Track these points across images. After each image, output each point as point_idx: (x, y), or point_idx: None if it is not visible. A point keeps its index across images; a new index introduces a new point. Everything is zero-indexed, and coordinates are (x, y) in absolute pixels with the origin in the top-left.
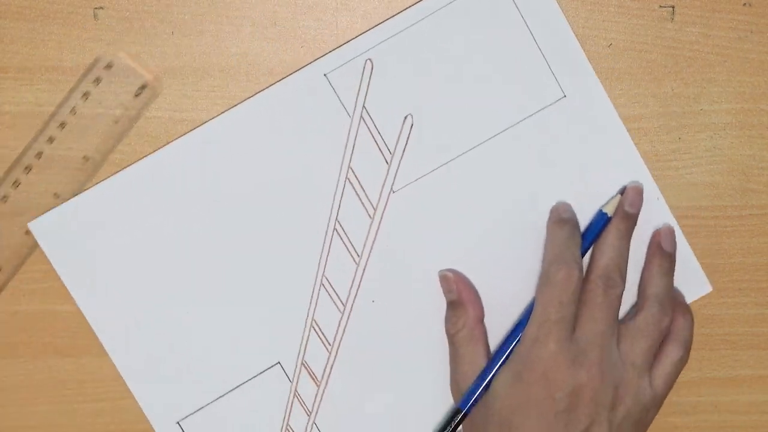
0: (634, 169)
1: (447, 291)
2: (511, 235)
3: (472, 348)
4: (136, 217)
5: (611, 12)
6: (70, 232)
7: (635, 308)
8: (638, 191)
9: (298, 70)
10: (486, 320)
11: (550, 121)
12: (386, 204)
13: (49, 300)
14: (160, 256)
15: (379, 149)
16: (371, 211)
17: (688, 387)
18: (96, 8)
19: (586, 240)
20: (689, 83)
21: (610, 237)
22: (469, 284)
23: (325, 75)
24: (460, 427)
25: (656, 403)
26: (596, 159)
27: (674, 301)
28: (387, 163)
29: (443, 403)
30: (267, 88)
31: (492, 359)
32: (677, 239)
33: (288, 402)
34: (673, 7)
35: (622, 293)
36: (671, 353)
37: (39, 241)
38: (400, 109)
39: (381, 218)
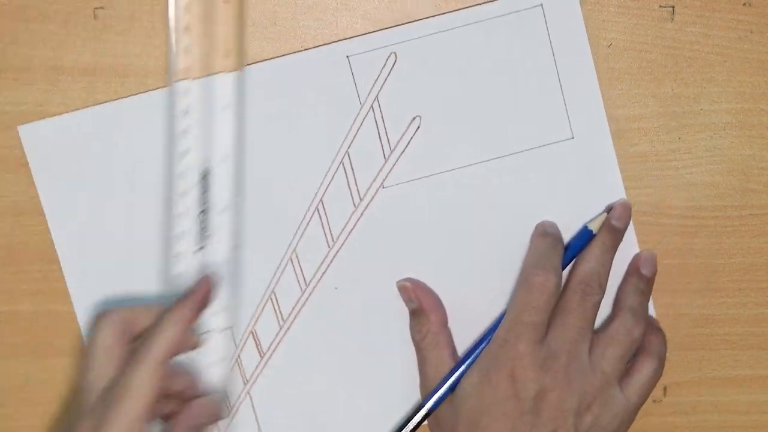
0: None
1: (407, 300)
2: (488, 253)
3: (438, 353)
4: (127, 148)
5: (611, 12)
6: (57, 145)
7: (609, 318)
8: (627, 207)
9: (324, 45)
10: (458, 329)
11: (551, 157)
12: (373, 197)
13: (49, 300)
14: (139, 191)
15: (380, 142)
16: (357, 200)
17: (688, 387)
18: (96, 8)
19: (568, 253)
20: (689, 83)
21: (594, 249)
22: (428, 291)
23: (347, 57)
24: (425, 423)
25: (628, 412)
26: (587, 202)
27: (648, 320)
28: (384, 157)
29: (378, 399)
30: (290, 54)
31: (461, 360)
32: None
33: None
34: (673, 7)
35: (600, 303)
36: (645, 365)
37: (24, 146)
38: (410, 109)
39: (365, 209)
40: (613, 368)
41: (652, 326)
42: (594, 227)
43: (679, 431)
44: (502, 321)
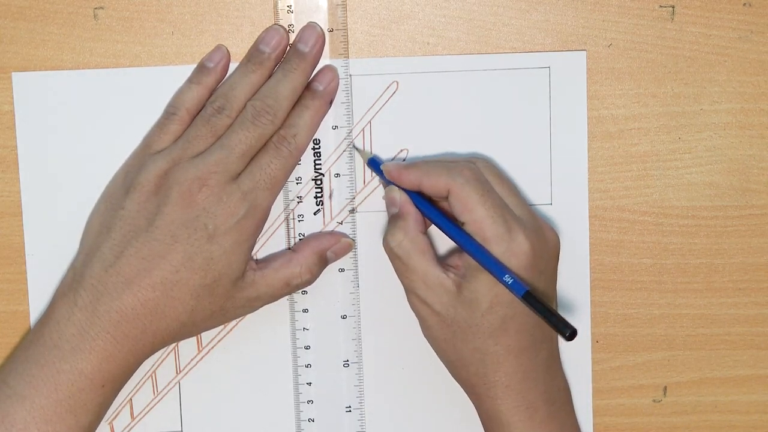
0: (581, 280)
1: (390, 206)
2: None
3: (412, 258)
4: (117, 118)
5: (611, 12)
6: (46, 98)
7: None
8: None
9: (332, 59)
10: (406, 347)
11: None
12: (344, 219)
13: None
14: (113, 163)
15: (364, 167)
16: (327, 219)
17: (688, 387)
18: (96, 8)
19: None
20: (689, 83)
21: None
22: (411, 201)
23: (350, 75)
24: None
25: None
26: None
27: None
28: (364, 182)
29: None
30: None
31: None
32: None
33: (163, 352)
34: (673, 7)
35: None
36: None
37: (14, 92)
38: (400, 140)
39: (332, 229)
40: None
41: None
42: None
43: (679, 431)
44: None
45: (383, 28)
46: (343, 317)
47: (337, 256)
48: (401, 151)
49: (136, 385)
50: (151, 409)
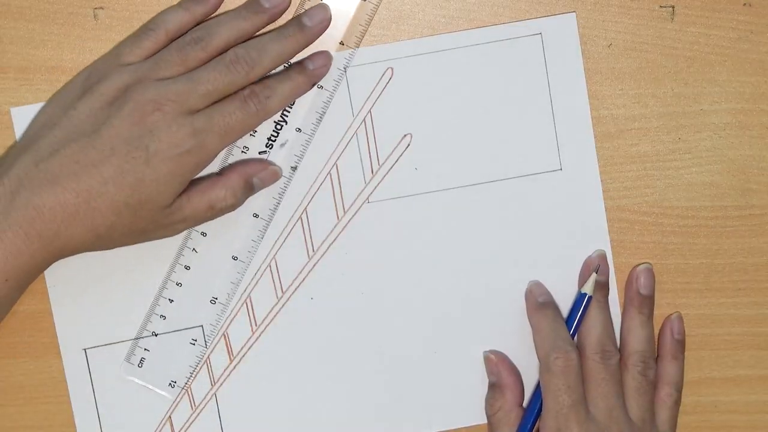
0: (601, 246)
1: (489, 373)
2: (467, 275)
3: (506, 430)
4: None
5: (611, 12)
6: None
7: (620, 364)
8: (605, 258)
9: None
10: (434, 349)
11: (537, 187)
12: (357, 210)
13: (49, 300)
14: None
15: (370, 156)
16: (341, 213)
17: (688, 387)
18: (96, 8)
19: (571, 321)
20: (689, 83)
21: (593, 311)
22: (510, 367)
23: (344, 68)
24: None
25: None
26: (569, 234)
27: (667, 344)
28: (372, 172)
29: (347, 412)
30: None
31: None
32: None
33: (197, 366)
34: (673, 7)
35: (619, 360)
36: (667, 399)
37: (15, 129)
38: (402, 126)
39: (348, 222)
40: (650, 414)
41: (669, 350)
42: (588, 290)
43: (679, 431)
44: (543, 411)
45: (383, 28)
46: (234, 258)
47: (264, 183)
48: (405, 136)
49: (174, 402)
50: (190, 424)
